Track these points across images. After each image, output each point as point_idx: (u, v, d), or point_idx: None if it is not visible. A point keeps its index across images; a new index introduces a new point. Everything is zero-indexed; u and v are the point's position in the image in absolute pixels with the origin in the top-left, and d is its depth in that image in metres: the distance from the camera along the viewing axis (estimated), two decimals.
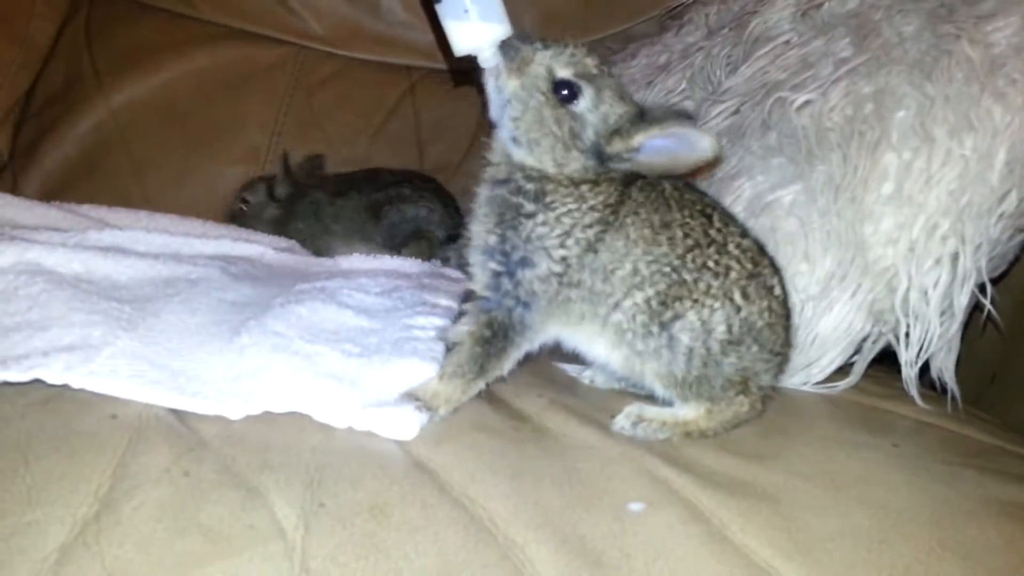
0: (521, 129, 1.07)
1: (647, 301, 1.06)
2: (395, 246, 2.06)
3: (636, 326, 1.07)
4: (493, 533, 0.84)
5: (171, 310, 1.19)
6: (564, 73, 1.05)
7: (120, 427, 0.90)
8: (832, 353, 1.26)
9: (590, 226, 1.06)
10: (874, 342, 1.28)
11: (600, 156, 1.07)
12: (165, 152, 2.22)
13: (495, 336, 1.07)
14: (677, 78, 1.77)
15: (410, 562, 0.78)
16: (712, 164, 1.16)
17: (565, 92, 1.05)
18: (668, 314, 1.05)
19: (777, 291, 1.11)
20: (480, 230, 1.10)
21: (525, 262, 1.06)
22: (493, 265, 1.08)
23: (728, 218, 1.12)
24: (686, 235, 1.07)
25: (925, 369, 1.26)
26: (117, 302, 1.17)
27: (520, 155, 1.09)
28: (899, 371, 1.26)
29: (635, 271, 1.06)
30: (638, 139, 1.06)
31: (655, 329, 1.06)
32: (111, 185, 2.16)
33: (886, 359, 1.30)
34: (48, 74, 2.27)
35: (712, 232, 1.08)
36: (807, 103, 1.35)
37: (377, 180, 2.16)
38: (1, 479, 0.80)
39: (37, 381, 0.95)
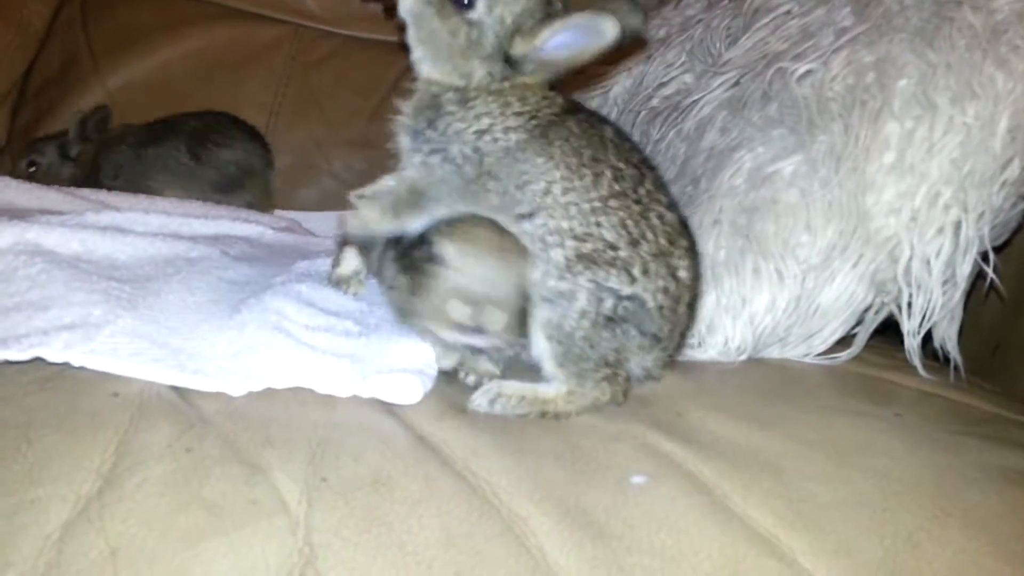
0: (421, 47, 1.07)
1: (559, 233, 1.02)
2: (228, 190, 2.05)
3: (551, 252, 1.03)
4: (496, 506, 0.84)
5: (171, 289, 1.19)
6: None
7: (122, 405, 0.90)
8: (834, 324, 1.26)
9: (509, 130, 1.04)
10: (876, 312, 1.27)
11: (509, 61, 1.05)
12: None
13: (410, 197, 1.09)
14: (676, 51, 1.76)
15: (413, 535, 0.78)
16: (625, 50, 1.12)
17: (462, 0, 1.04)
18: (578, 267, 1.02)
19: (682, 274, 1.06)
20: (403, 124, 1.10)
21: (437, 150, 1.06)
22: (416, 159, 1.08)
23: (660, 185, 1.09)
24: (616, 178, 1.04)
25: (928, 339, 1.26)
26: (117, 281, 1.16)
27: (427, 71, 1.08)
28: (901, 342, 1.26)
29: (547, 191, 1.03)
30: (542, 36, 1.03)
31: (566, 275, 1.02)
32: None
33: (888, 330, 1.29)
34: (44, 56, 2.27)
35: (640, 191, 1.05)
36: (808, 73, 1.34)
37: (184, 125, 2.12)
38: (3, 457, 0.80)
39: (38, 360, 0.94)
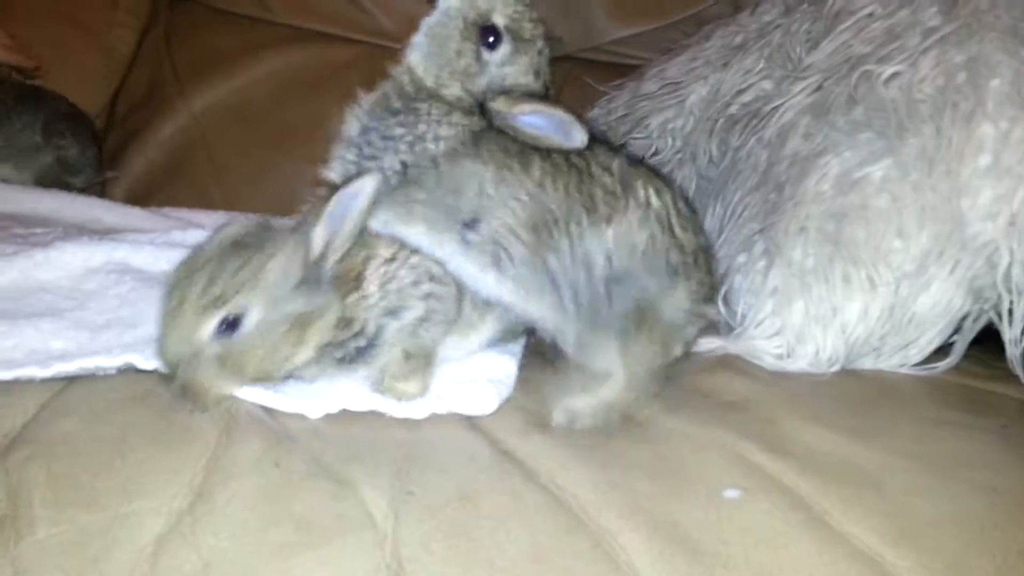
0: (428, 37, 1.08)
1: (509, 229, 1.02)
2: (43, 184, 1.95)
3: (512, 250, 1.02)
4: (584, 521, 0.82)
5: None
6: (499, 20, 1.05)
7: (212, 420, 0.91)
8: (930, 333, 1.22)
9: (440, 139, 1.04)
10: (975, 320, 1.23)
11: (482, 106, 1.06)
12: (244, 154, 2.26)
13: None
14: (755, 57, 1.73)
15: (502, 549, 0.77)
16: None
17: (490, 38, 1.05)
18: (545, 247, 1.02)
19: (654, 200, 1.04)
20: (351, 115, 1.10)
21: (372, 156, 1.06)
22: (348, 155, 1.08)
23: (593, 142, 1.07)
24: (544, 158, 1.04)
25: None
26: None
27: (415, 60, 1.08)
28: (1002, 351, 1.21)
29: (480, 191, 1.03)
30: (521, 107, 1.04)
31: (537, 263, 1.02)
32: (193, 188, 2.21)
33: (988, 338, 1.25)
34: (131, 82, 2.34)
35: (573, 158, 1.05)
36: (895, 75, 1.30)
37: (55, 102, 2.06)
38: (98, 472, 0.82)
39: (132, 378, 0.96)
